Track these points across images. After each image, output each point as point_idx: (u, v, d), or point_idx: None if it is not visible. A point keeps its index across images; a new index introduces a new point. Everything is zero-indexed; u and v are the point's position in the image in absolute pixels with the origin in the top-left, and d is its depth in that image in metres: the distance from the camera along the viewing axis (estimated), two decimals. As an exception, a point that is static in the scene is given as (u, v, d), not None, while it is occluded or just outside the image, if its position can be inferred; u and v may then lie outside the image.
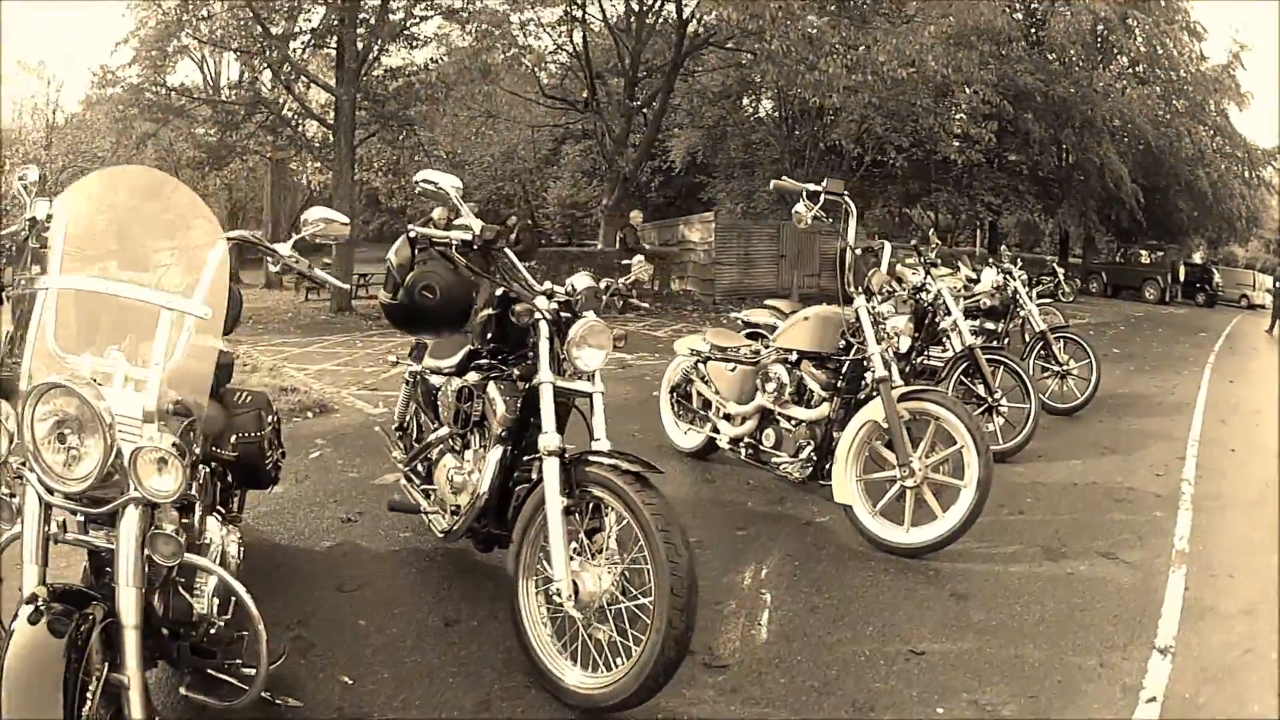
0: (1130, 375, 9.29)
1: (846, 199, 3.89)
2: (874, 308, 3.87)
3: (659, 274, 15.91)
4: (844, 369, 4.02)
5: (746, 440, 4.41)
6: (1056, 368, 6.76)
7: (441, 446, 3.08)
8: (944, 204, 25.07)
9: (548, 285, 2.69)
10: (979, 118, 18.27)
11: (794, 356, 4.21)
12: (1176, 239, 26.85)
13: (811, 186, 3.82)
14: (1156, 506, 4.48)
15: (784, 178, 3.97)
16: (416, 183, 2.67)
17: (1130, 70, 23.80)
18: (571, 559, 2.36)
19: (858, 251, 4.44)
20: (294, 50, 15.41)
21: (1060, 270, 21.43)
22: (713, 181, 25.46)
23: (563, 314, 2.61)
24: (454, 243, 2.66)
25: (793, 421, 4.16)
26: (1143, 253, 24.93)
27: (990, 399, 5.33)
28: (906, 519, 3.63)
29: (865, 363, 3.82)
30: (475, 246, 2.66)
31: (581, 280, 2.67)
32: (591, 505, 2.43)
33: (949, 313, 5.46)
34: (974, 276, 7.03)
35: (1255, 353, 13.27)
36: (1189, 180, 24.23)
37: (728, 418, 4.56)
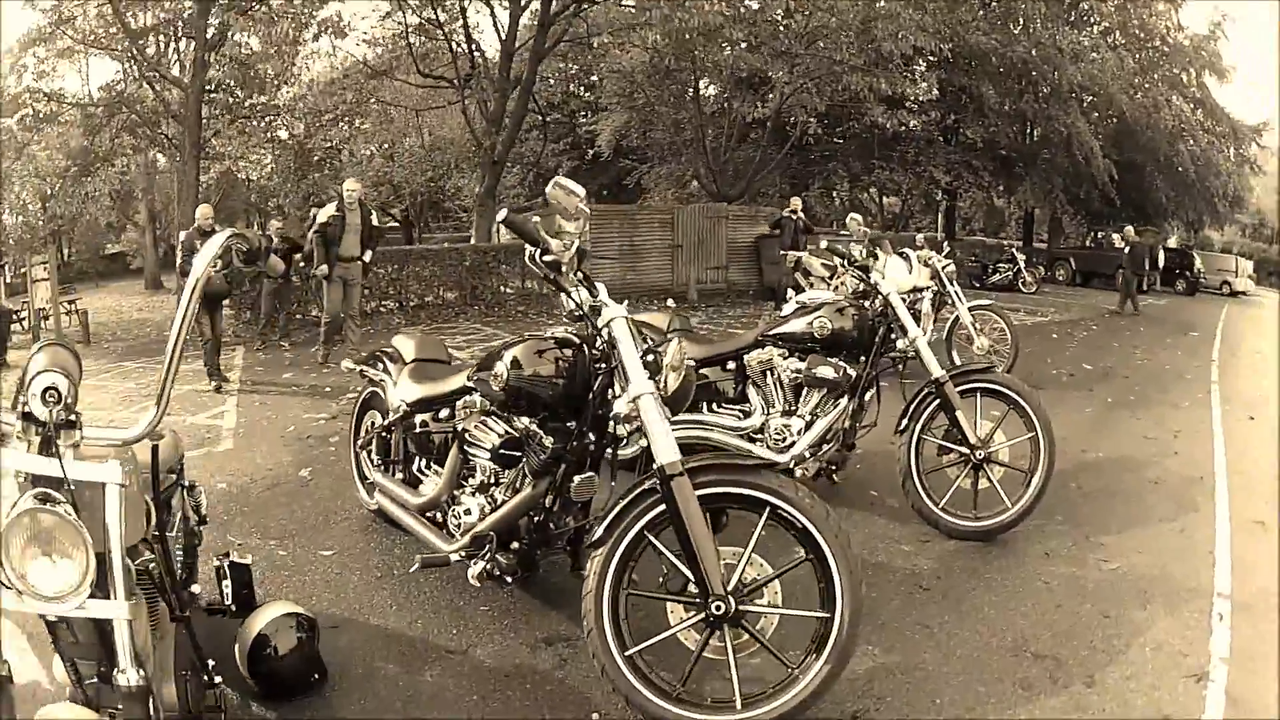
0: (1107, 414, 6.23)
1: None
2: None
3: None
4: None
5: None
6: (963, 450, 3.52)
7: None
8: (887, 182, 22.32)
9: None
10: (912, 74, 15.31)
11: None
12: (1153, 221, 24.12)
13: None
14: None
15: None
16: None
17: (1102, 39, 20.97)
18: None
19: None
20: (152, 44, 14.99)
21: (1020, 256, 18.68)
22: (639, 167, 22.53)
23: None
24: None
25: None
26: (1115, 236, 22.21)
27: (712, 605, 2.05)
28: None
29: None
30: None
31: None
32: None
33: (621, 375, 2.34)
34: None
35: (1262, 358, 10.32)
36: (1168, 156, 21.54)
37: None
